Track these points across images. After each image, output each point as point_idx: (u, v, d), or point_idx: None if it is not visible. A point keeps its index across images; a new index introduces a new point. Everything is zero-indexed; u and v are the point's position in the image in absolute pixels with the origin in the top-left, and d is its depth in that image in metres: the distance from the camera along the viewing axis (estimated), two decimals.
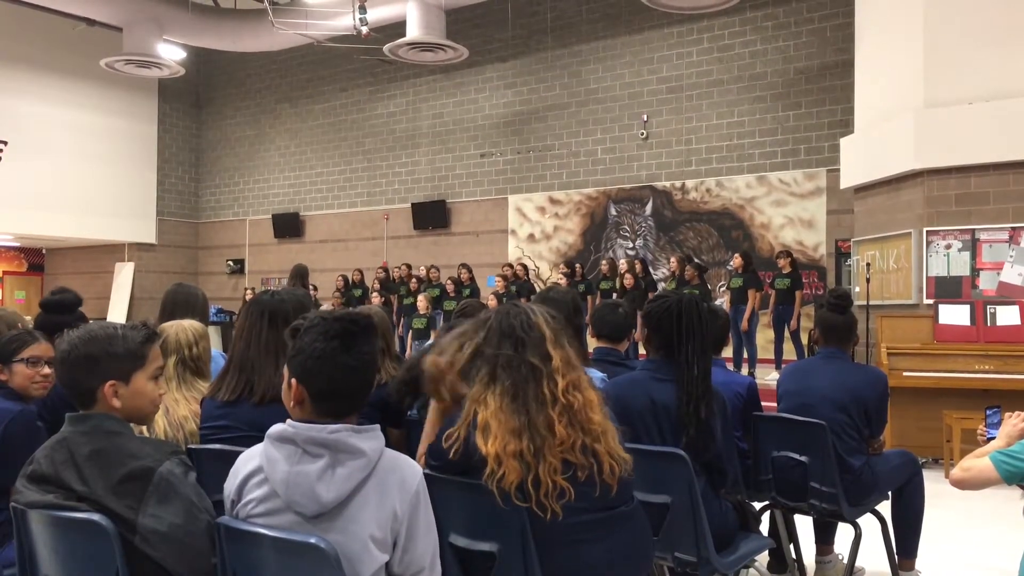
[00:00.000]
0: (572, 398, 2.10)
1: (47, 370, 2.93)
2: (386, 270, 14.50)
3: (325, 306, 11.07)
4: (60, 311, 3.47)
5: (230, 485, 1.89)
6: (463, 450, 2.09)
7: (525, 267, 13.36)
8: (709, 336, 2.90)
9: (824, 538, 4.16)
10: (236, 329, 2.77)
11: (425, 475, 2.18)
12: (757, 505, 3.61)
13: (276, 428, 1.83)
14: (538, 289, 11.63)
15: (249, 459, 1.89)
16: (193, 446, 2.56)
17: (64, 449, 1.91)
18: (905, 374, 6.93)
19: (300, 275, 10.58)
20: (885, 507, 3.82)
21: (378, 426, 1.85)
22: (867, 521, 3.66)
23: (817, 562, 4.14)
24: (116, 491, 1.84)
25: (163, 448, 1.94)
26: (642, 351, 3.23)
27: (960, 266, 7.76)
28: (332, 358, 1.80)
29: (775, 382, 4.25)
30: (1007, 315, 7.11)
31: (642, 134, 14.16)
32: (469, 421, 2.10)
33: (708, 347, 2.87)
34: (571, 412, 2.09)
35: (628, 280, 11.23)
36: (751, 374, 9.97)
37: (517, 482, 2.01)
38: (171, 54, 15.33)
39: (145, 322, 2.11)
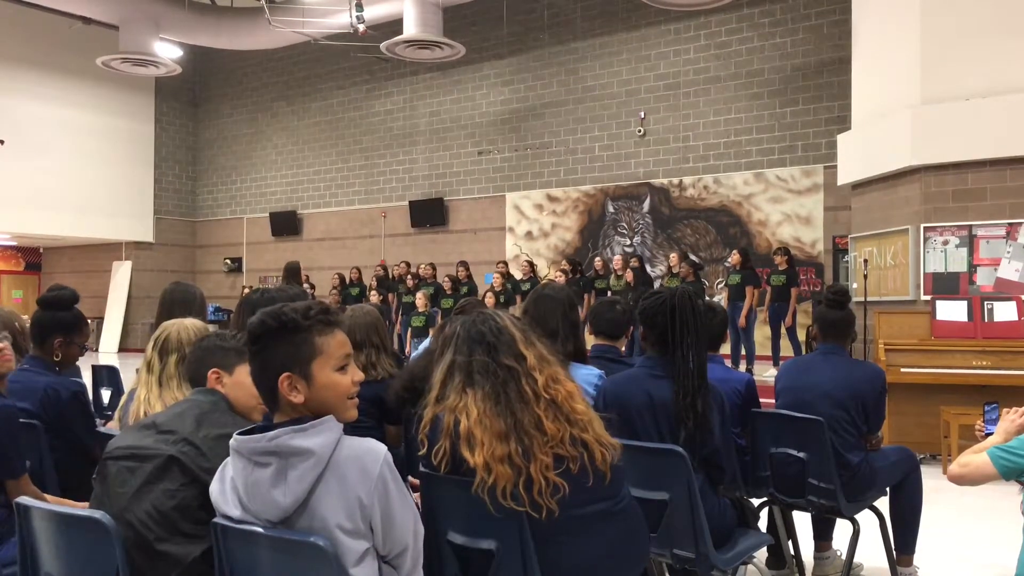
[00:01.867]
0: (554, 391, 2.11)
1: (2, 344, 2.95)
2: (384, 268, 14.50)
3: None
4: (58, 307, 3.47)
5: (215, 495, 1.89)
6: (451, 463, 2.09)
7: (532, 264, 13.16)
8: (704, 330, 2.90)
9: (822, 534, 4.17)
10: (230, 331, 2.77)
11: (421, 474, 2.19)
12: (755, 502, 3.61)
13: (231, 442, 1.84)
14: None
15: (227, 467, 1.90)
16: None
17: (184, 406, 2.18)
18: (903, 370, 6.93)
19: (292, 272, 10.58)
20: (883, 503, 3.82)
21: (330, 417, 1.82)
22: (865, 517, 3.67)
23: (815, 558, 4.15)
24: (212, 442, 2.03)
25: None
26: None
27: (957, 262, 7.77)
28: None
29: (773, 379, 4.26)
30: (1004, 311, 7.11)
31: (639, 131, 14.16)
32: (451, 432, 2.08)
33: (704, 341, 2.87)
34: (556, 406, 2.09)
35: (628, 276, 11.24)
36: (749, 371, 9.98)
37: (510, 487, 2.00)
38: (167, 52, 15.32)
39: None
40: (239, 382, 2.24)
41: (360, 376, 1.91)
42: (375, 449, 1.80)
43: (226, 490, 1.86)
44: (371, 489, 1.75)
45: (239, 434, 1.82)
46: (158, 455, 1.99)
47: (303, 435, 1.76)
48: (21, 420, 2.92)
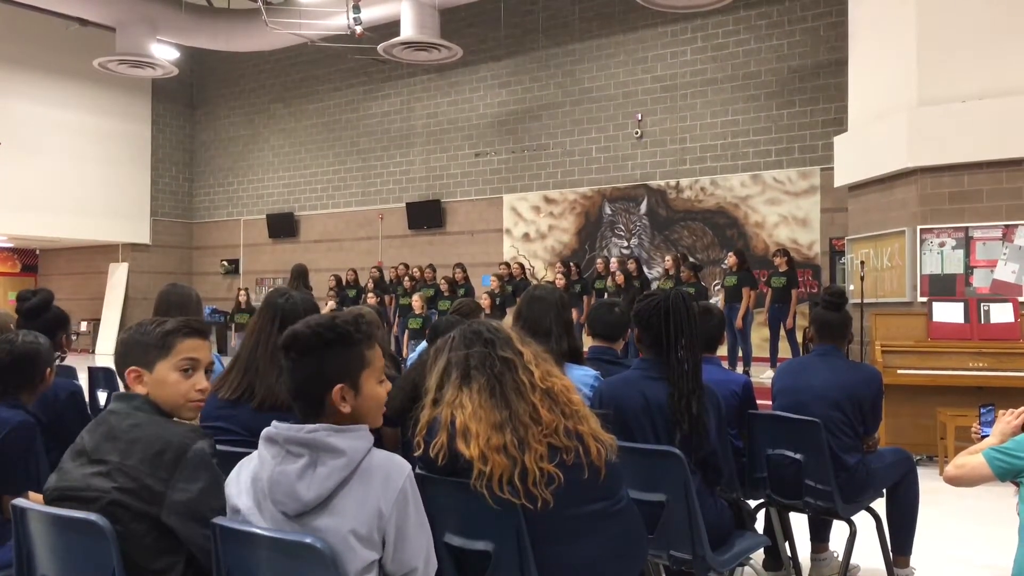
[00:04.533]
0: (550, 382, 2.13)
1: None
2: (381, 270, 14.50)
3: (330, 305, 11.04)
4: (45, 309, 3.49)
5: (230, 488, 1.90)
6: (448, 456, 2.09)
7: (522, 266, 13.26)
8: (698, 332, 2.90)
9: (819, 536, 4.17)
10: (248, 328, 2.79)
11: (417, 475, 2.19)
12: (752, 503, 3.61)
13: (266, 429, 1.86)
14: None
15: (248, 461, 1.92)
16: None
17: (106, 424, 1.98)
18: (899, 372, 6.95)
19: (301, 275, 10.56)
20: (880, 504, 3.83)
21: (365, 426, 1.85)
22: (862, 519, 3.67)
23: (812, 560, 4.15)
24: (152, 463, 1.89)
25: (196, 430, 2.02)
26: None
27: (954, 264, 7.78)
28: (285, 366, 1.87)
29: (770, 380, 4.26)
30: (1000, 313, 7.13)
31: (636, 133, 14.17)
32: (448, 426, 2.09)
33: (698, 343, 2.88)
34: (552, 395, 2.11)
35: (619, 278, 11.26)
36: (746, 372, 9.99)
37: (507, 477, 2.00)
38: (164, 54, 15.30)
39: (188, 321, 2.19)
40: (161, 380, 2.07)
41: (389, 386, 1.95)
42: (401, 465, 1.82)
43: (240, 480, 1.88)
44: (392, 501, 1.76)
45: (276, 421, 1.84)
46: (98, 497, 1.89)
47: (339, 435, 1.79)
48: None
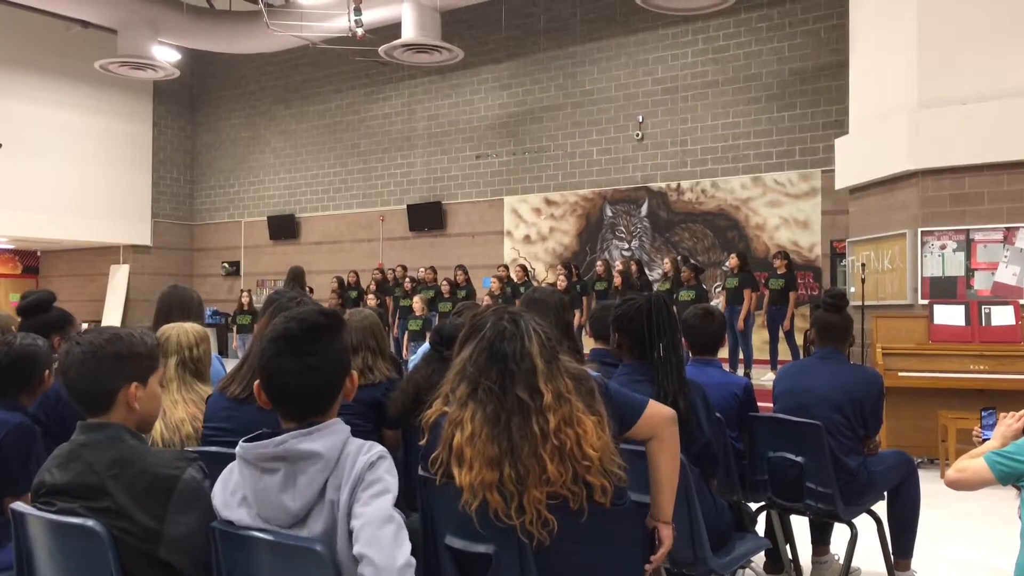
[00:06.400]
0: (565, 437, 1.99)
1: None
2: (382, 271, 14.49)
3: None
4: (40, 310, 3.49)
5: (216, 500, 1.88)
6: (446, 475, 2.06)
7: (524, 268, 13.06)
8: (679, 331, 2.93)
9: (820, 538, 4.17)
10: (258, 327, 2.81)
11: (419, 477, 2.18)
12: (753, 506, 3.61)
13: (237, 449, 1.82)
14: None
15: (229, 474, 1.89)
16: (190, 449, 2.57)
17: (80, 460, 1.89)
18: (900, 374, 6.94)
19: (297, 277, 10.55)
20: (881, 507, 3.82)
21: (337, 420, 1.82)
22: (863, 521, 3.67)
23: (813, 562, 4.15)
24: (142, 502, 1.83)
25: (183, 456, 1.94)
26: None
27: (955, 266, 7.77)
28: (275, 362, 1.80)
29: (771, 382, 4.26)
30: (1001, 315, 7.12)
31: (637, 135, 14.17)
32: (448, 444, 2.05)
33: (679, 341, 2.90)
34: (562, 451, 1.98)
35: (617, 280, 11.26)
36: (747, 374, 9.98)
37: (501, 510, 1.96)
38: (166, 56, 15.31)
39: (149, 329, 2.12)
40: (153, 393, 2.01)
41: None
42: (371, 451, 1.79)
43: (226, 493, 1.86)
44: (348, 487, 1.74)
45: (244, 441, 1.80)
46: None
47: (310, 438, 1.76)
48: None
